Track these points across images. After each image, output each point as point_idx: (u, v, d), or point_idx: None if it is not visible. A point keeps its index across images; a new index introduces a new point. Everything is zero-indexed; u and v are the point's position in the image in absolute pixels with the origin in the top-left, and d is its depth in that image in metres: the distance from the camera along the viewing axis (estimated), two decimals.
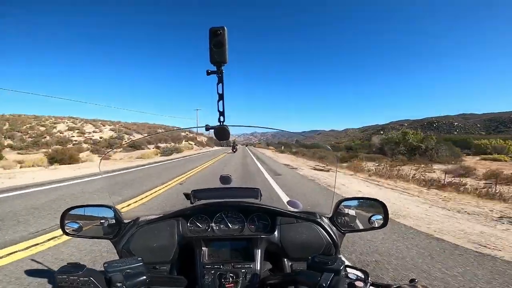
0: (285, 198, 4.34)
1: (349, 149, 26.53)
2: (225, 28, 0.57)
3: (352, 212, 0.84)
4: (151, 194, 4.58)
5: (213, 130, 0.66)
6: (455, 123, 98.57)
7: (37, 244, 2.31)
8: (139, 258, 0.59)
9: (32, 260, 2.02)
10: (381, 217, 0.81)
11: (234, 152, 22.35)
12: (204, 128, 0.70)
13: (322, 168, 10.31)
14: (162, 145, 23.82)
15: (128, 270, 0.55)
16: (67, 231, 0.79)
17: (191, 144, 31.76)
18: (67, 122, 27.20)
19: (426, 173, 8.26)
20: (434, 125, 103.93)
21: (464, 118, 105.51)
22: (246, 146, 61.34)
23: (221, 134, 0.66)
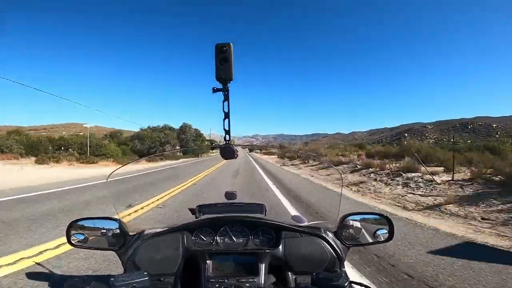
0: None
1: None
2: (231, 44, 0.62)
3: (357, 225, 0.92)
4: None
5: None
6: (494, 125, 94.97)
7: None
8: (145, 273, 0.66)
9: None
10: (386, 231, 0.90)
11: (235, 157, 22.65)
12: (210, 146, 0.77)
13: None
14: None
15: (134, 285, 0.62)
16: (73, 242, 0.89)
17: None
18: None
19: None
20: (469, 127, 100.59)
21: (501, 120, 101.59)
22: (250, 151, 50.80)
23: (226, 153, 0.73)
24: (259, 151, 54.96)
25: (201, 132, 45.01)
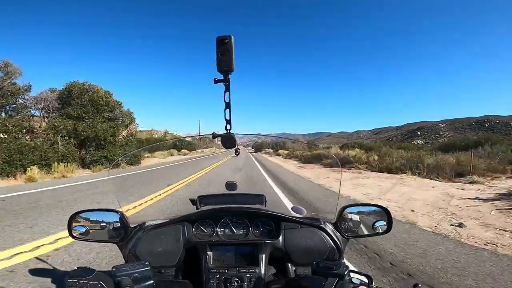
0: None
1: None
2: (232, 36, 0.66)
3: (356, 217, 0.96)
4: None
5: (220, 138, 0.78)
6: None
7: None
8: (146, 263, 0.70)
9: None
10: (384, 223, 0.92)
11: (237, 155, 22.57)
12: (211, 135, 0.81)
13: None
14: None
15: (135, 274, 0.65)
16: (74, 234, 0.93)
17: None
18: None
19: None
20: (487, 125, 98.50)
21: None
22: (256, 151, 40.97)
23: (227, 141, 0.77)
24: (271, 150, 34.00)
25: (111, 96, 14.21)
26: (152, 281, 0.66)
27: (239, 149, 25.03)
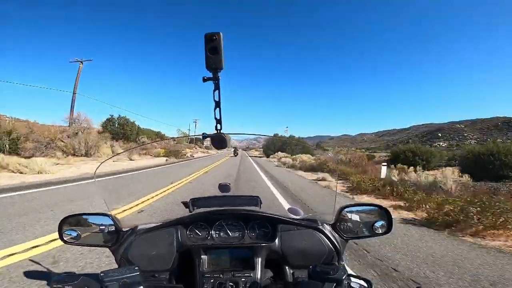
0: None
1: None
2: (221, 33, 0.66)
3: (355, 218, 0.95)
4: None
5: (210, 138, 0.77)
6: None
7: None
8: (136, 268, 0.69)
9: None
10: (384, 223, 0.91)
11: (235, 156, 24.72)
12: (201, 136, 0.82)
13: None
14: None
15: (124, 280, 0.64)
16: (65, 238, 0.93)
17: None
18: None
19: None
20: None
21: None
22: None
23: (218, 142, 0.76)
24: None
25: None
26: (141, 287, 0.66)
27: (237, 151, 25.92)
